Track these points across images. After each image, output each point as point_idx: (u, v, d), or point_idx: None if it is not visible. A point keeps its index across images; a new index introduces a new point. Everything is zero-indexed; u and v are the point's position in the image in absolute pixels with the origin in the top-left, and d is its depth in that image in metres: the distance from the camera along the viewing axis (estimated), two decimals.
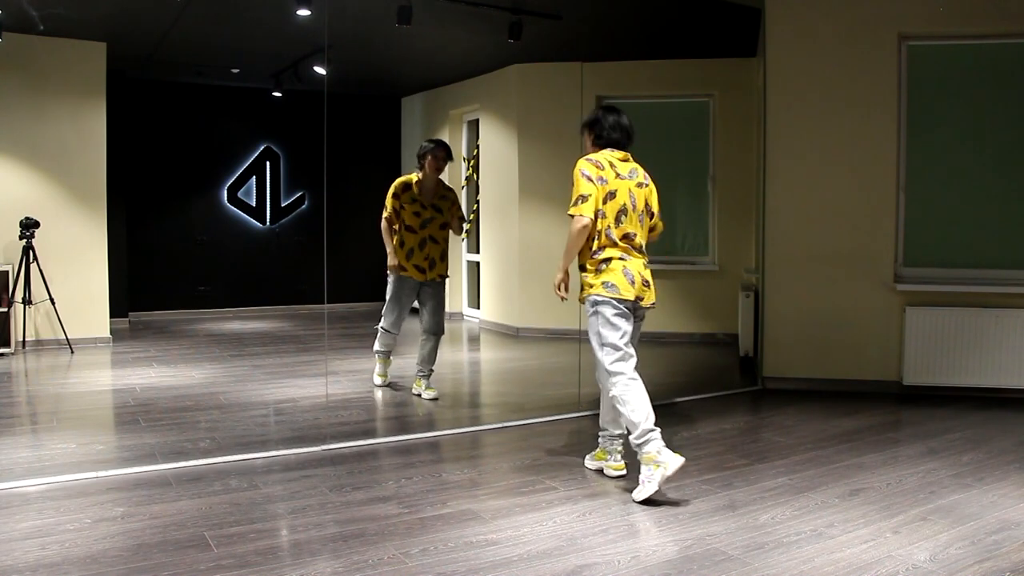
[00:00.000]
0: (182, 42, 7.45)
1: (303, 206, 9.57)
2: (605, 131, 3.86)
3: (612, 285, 3.70)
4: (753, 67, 7.45)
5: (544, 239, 8.34)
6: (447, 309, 9.09)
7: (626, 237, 3.77)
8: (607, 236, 3.74)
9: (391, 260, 5.52)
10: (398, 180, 5.54)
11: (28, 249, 6.98)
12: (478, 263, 9.17)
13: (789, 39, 5.89)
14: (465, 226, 9.21)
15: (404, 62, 8.47)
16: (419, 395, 5.64)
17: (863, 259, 5.82)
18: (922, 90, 5.83)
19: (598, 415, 4.07)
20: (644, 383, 3.70)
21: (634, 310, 3.78)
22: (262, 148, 9.51)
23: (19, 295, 6.99)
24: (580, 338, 6.38)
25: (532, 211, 8.43)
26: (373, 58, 8.22)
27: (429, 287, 5.59)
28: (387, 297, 5.67)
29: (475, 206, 9.27)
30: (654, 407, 3.66)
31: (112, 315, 7.78)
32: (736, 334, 7.36)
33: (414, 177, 5.51)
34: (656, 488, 3.51)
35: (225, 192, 9.43)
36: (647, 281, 3.80)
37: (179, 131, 9.39)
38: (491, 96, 8.87)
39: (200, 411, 5.19)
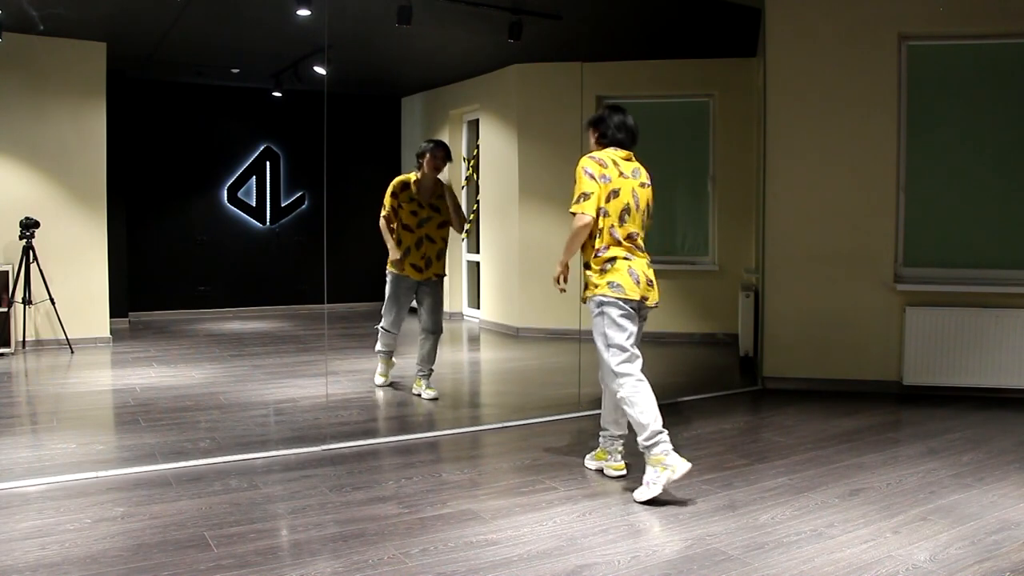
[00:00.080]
0: (182, 42, 7.45)
1: (303, 206, 9.57)
2: (610, 130, 3.84)
3: (618, 285, 3.68)
4: (753, 67, 7.46)
5: (544, 239, 8.35)
6: (447, 309, 9.16)
7: (629, 236, 3.76)
8: (611, 235, 3.72)
9: (392, 255, 5.53)
10: (397, 179, 5.55)
11: (28, 249, 6.98)
12: (478, 263, 9.17)
13: (789, 39, 5.89)
14: (466, 225, 9.23)
15: (404, 62, 8.47)
16: (419, 395, 5.64)
17: (863, 259, 5.82)
18: (922, 90, 5.83)
19: (598, 415, 4.07)
20: None
21: (638, 310, 3.77)
22: (262, 148, 9.51)
23: (19, 295, 6.99)
24: (580, 338, 6.39)
25: (532, 211, 8.43)
26: (373, 58, 8.22)
27: (427, 286, 5.59)
28: (385, 297, 5.68)
29: (475, 206, 9.27)
30: None
31: (112, 315, 7.78)
32: (736, 334, 7.36)
33: (412, 176, 5.52)
34: (660, 491, 3.51)
35: (225, 192, 9.43)
36: (651, 280, 3.79)
37: (179, 131, 9.39)
38: (491, 96, 8.87)
39: (200, 411, 5.19)
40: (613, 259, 3.71)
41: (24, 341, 7.15)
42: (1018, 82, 5.73)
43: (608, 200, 3.70)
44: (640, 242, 3.82)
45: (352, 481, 3.85)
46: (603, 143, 3.86)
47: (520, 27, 6.68)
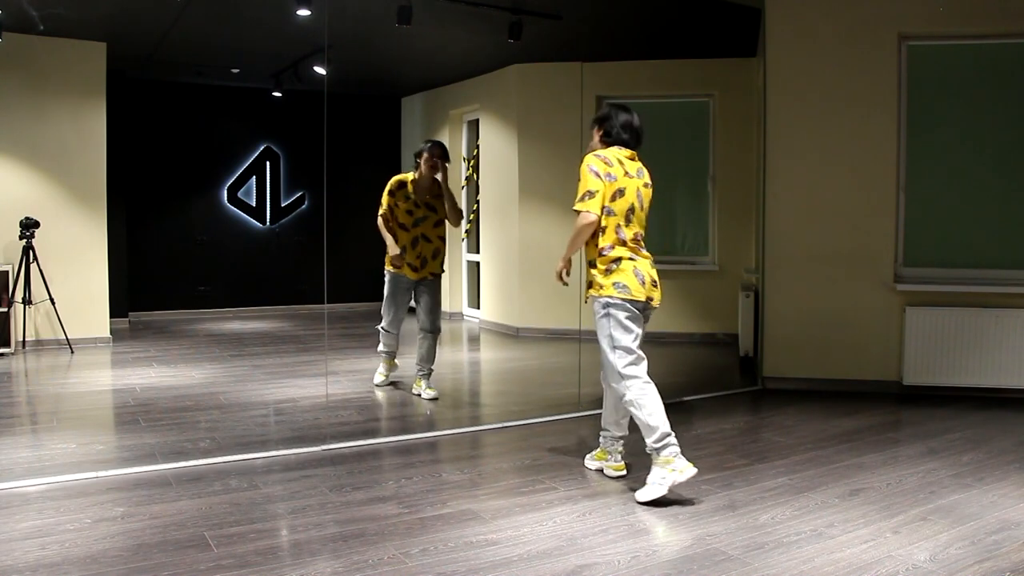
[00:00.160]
0: (182, 42, 7.45)
1: (303, 206, 9.57)
2: (615, 129, 3.80)
3: (624, 286, 3.66)
4: (753, 67, 7.46)
5: (544, 239, 8.35)
6: (447, 309, 9.15)
7: (635, 237, 3.74)
8: (617, 234, 3.69)
9: (391, 250, 5.53)
10: (394, 178, 5.58)
11: (28, 249, 6.98)
12: (478, 263, 9.17)
13: (789, 39, 5.89)
14: (465, 225, 9.22)
15: (404, 62, 8.47)
16: (419, 395, 5.65)
17: (863, 259, 5.82)
18: (922, 90, 5.83)
19: (598, 415, 4.06)
20: None
21: (643, 311, 3.74)
22: (262, 148, 9.51)
23: (19, 295, 6.99)
24: (580, 338, 6.39)
25: (532, 211, 8.43)
26: (373, 58, 8.22)
27: (424, 285, 5.61)
28: (384, 296, 5.70)
29: (475, 206, 9.26)
30: None
31: (112, 315, 7.78)
32: (736, 334, 7.36)
33: (410, 176, 5.54)
34: (665, 491, 3.50)
35: (225, 192, 9.43)
36: (655, 280, 3.76)
37: (179, 131, 9.39)
38: (491, 96, 8.87)
39: (200, 411, 5.19)
40: (619, 259, 3.68)
41: (24, 341, 7.15)
42: (1018, 82, 5.73)
43: (613, 199, 3.68)
44: (643, 242, 3.81)
45: (352, 481, 3.85)
46: (607, 142, 3.83)
47: (520, 27, 6.68)
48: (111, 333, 7.69)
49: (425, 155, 5.46)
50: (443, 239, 5.64)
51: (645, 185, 3.81)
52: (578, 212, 3.68)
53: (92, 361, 6.90)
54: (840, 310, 5.85)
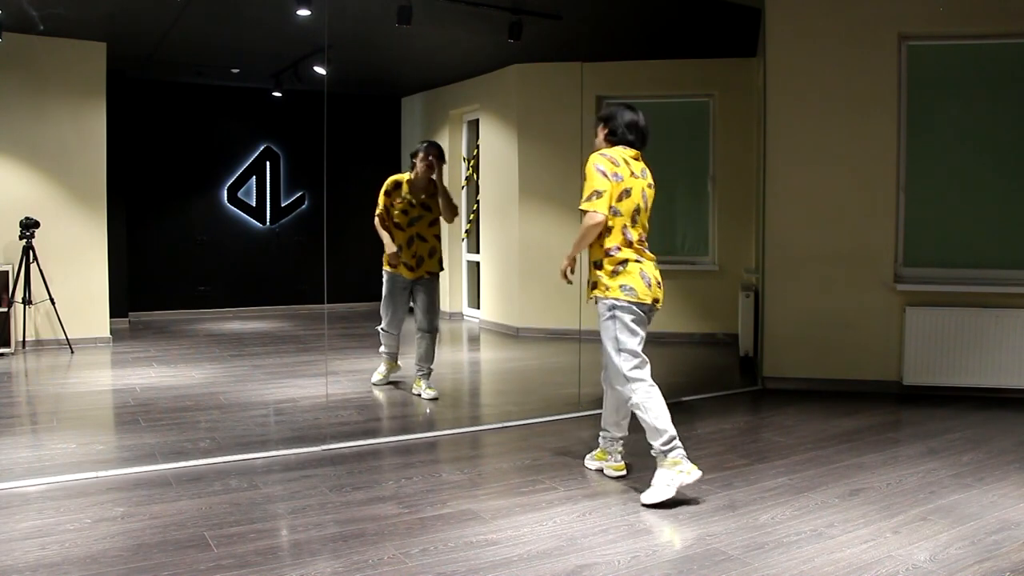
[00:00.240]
0: (182, 42, 7.45)
1: (303, 206, 9.57)
2: (621, 129, 3.75)
3: (631, 289, 3.62)
4: (753, 67, 7.46)
5: (544, 239, 8.35)
6: (447, 308, 9.16)
7: (639, 238, 3.71)
8: (624, 235, 3.66)
9: (388, 248, 5.55)
10: (390, 178, 5.60)
11: (28, 249, 6.98)
12: (478, 263, 9.17)
13: (789, 39, 5.89)
14: (465, 225, 9.22)
15: (404, 62, 8.47)
16: (419, 395, 5.65)
17: (863, 259, 5.82)
18: (922, 90, 5.83)
19: (598, 415, 4.06)
20: None
21: (647, 312, 3.71)
22: (262, 148, 9.51)
23: (19, 295, 6.99)
24: (580, 338, 6.39)
25: (532, 211, 8.43)
26: (373, 58, 8.22)
27: (421, 285, 5.62)
28: (382, 296, 5.71)
29: (475, 206, 9.27)
30: None
31: (112, 315, 7.78)
32: (736, 334, 7.36)
33: (405, 176, 5.56)
34: (673, 494, 3.50)
35: (225, 192, 9.43)
36: (659, 282, 3.73)
37: (179, 131, 9.38)
38: (491, 96, 8.87)
39: (200, 411, 5.19)
40: (625, 261, 3.65)
41: (24, 341, 7.15)
42: (1018, 82, 5.73)
43: (620, 199, 3.64)
44: (647, 243, 3.78)
45: (352, 481, 3.85)
46: (613, 141, 3.78)
47: (520, 27, 6.68)
48: (111, 333, 7.69)
49: (421, 155, 5.48)
50: (439, 238, 5.65)
51: (649, 186, 3.78)
52: (584, 212, 3.63)
53: (92, 361, 6.90)
54: (840, 310, 5.85)
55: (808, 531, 3.24)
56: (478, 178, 9.22)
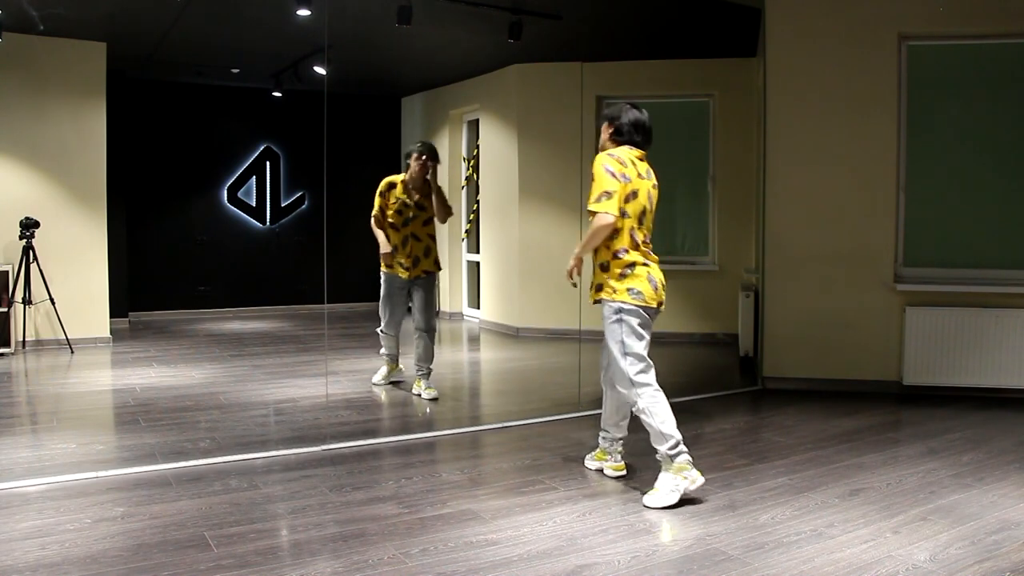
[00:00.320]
0: (182, 42, 7.45)
1: (303, 206, 9.57)
2: (626, 128, 3.70)
3: (638, 292, 3.59)
4: (753, 67, 7.46)
5: (544, 239, 8.35)
6: (448, 309, 9.17)
7: (645, 239, 3.67)
8: (631, 238, 3.61)
9: (383, 248, 5.58)
10: (385, 180, 5.64)
11: (28, 249, 6.98)
12: (478, 263, 9.17)
13: (789, 39, 5.89)
14: (465, 225, 9.22)
15: (404, 62, 8.47)
16: (419, 395, 5.65)
17: (863, 259, 5.82)
18: (922, 90, 5.83)
19: (598, 415, 4.06)
20: None
21: (652, 315, 3.69)
22: (262, 148, 9.51)
23: (19, 295, 6.99)
24: (580, 338, 6.39)
25: (532, 211, 8.43)
26: (373, 58, 8.22)
27: (418, 284, 5.65)
28: (380, 297, 5.74)
29: (475, 206, 9.27)
30: None
31: (112, 315, 7.78)
32: (736, 334, 7.36)
33: (400, 177, 5.60)
34: (676, 500, 3.49)
35: (225, 192, 9.43)
36: (664, 285, 3.70)
37: (179, 131, 9.38)
38: (491, 96, 8.87)
39: (200, 411, 5.19)
40: (632, 264, 3.60)
41: (24, 341, 7.15)
42: (1018, 82, 5.73)
43: (627, 201, 3.59)
44: (651, 244, 3.74)
45: (352, 481, 3.85)
46: (618, 140, 3.73)
47: (520, 27, 6.68)
48: (111, 333, 7.69)
49: (415, 155, 5.52)
50: (433, 237, 5.67)
51: (654, 186, 3.75)
52: (593, 213, 3.56)
53: (92, 361, 6.90)
54: (840, 310, 5.85)
55: (808, 531, 3.24)
56: (478, 178, 9.22)
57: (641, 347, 3.62)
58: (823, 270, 5.87)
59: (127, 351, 7.31)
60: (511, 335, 8.44)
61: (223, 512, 3.40)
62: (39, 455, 4.25)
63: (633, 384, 3.60)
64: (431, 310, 5.69)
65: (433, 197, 5.54)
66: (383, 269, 5.69)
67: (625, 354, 3.61)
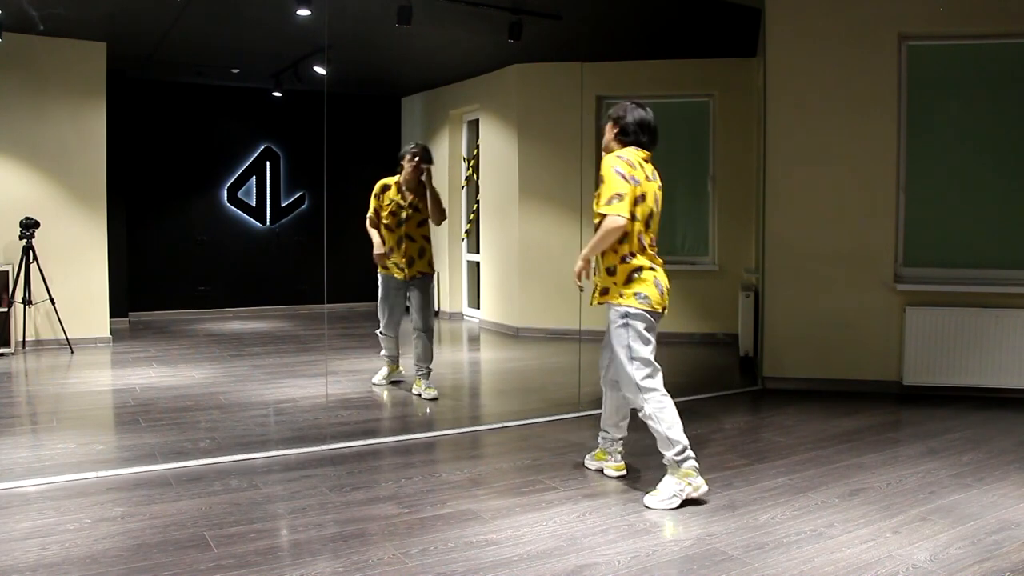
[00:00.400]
0: (182, 42, 7.45)
1: (303, 206, 9.57)
2: (632, 128, 3.63)
3: (645, 297, 3.55)
4: (753, 67, 7.46)
5: (544, 239, 8.35)
6: (447, 309, 9.17)
7: (651, 242, 3.63)
8: (639, 241, 3.57)
9: (377, 249, 5.62)
10: (379, 182, 5.68)
11: (28, 249, 6.98)
12: (478, 263, 9.17)
13: (789, 39, 5.89)
14: (465, 225, 9.22)
15: (404, 62, 8.47)
16: (419, 395, 5.65)
17: (863, 259, 5.82)
18: (922, 90, 5.83)
19: (598, 415, 4.06)
20: None
21: (658, 319, 3.66)
22: (262, 148, 9.51)
23: (19, 295, 6.99)
24: (580, 338, 6.39)
25: (532, 211, 8.43)
26: (373, 58, 8.22)
27: (414, 285, 5.67)
28: (378, 299, 5.76)
29: (475, 206, 9.26)
30: None
31: (112, 315, 7.78)
32: (736, 334, 7.36)
33: (394, 179, 5.63)
34: (676, 505, 3.49)
35: (225, 192, 9.43)
36: (669, 289, 3.67)
37: (179, 131, 9.39)
38: (491, 96, 8.87)
39: (200, 411, 5.19)
40: (640, 268, 3.56)
41: (24, 341, 7.15)
42: (1018, 82, 5.73)
43: (636, 204, 3.53)
44: (656, 247, 3.70)
45: (352, 481, 3.85)
46: (624, 141, 3.66)
47: (520, 27, 6.68)
48: (111, 333, 7.69)
49: (408, 157, 5.54)
50: (427, 238, 5.69)
51: (659, 188, 3.70)
52: (603, 216, 3.48)
53: (92, 361, 6.90)
54: (840, 310, 5.85)
55: (808, 531, 3.24)
56: (478, 178, 9.22)
57: (648, 352, 3.60)
58: (823, 270, 5.87)
59: (127, 351, 7.31)
60: (511, 335, 8.44)
61: (223, 512, 3.40)
62: (39, 455, 4.25)
63: (640, 390, 3.57)
64: (428, 310, 5.70)
65: (428, 199, 5.56)
66: (379, 270, 5.73)
67: (632, 359, 3.58)
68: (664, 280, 3.65)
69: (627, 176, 3.52)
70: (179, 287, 9.33)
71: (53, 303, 7.14)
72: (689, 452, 3.53)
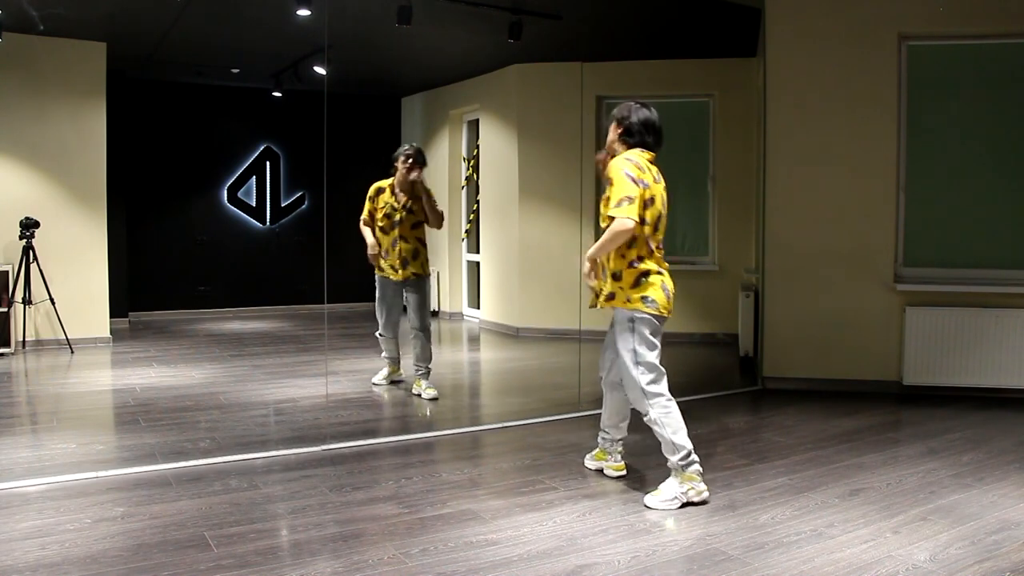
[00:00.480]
0: (182, 42, 7.45)
1: (303, 206, 9.57)
2: (637, 129, 3.58)
3: (652, 301, 3.53)
4: (753, 67, 7.46)
5: (544, 239, 8.35)
6: (447, 308, 9.17)
7: (658, 245, 3.60)
8: (647, 245, 3.54)
9: (371, 250, 5.66)
10: (374, 185, 5.71)
11: (28, 249, 6.98)
12: (478, 263, 9.17)
13: (789, 39, 5.89)
14: (465, 225, 9.22)
15: (404, 62, 8.47)
16: (419, 395, 5.65)
17: (863, 259, 5.82)
18: (922, 90, 5.83)
19: (598, 415, 4.06)
20: None
21: (662, 323, 3.64)
22: (262, 148, 9.51)
23: (19, 295, 6.99)
24: (580, 338, 6.39)
25: (532, 211, 8.43)
26: (373, 58, 8.22)
27: (410, 285, 5.68)
28: (376, 301, 5.80)
29: (475, 206, 9.27)
30: None
31: (112, 315, 7.78)
32: (736, 334, 7.36)
33: (388, 182, 5.66)
34: (677, 507, 3.49)
35: (225, 192, 9.44)
36: (674, 293, 3.65)
37: (179, 131, 9.39)
38: (491, 96, 8.87)
39: (200, 411, 5.19)
40: (648, 272, 3.53)
41: (24, 341, 7.15)
42: (1018, 82, 5.73)
43: (646, 207, 3.49)
44: (663, 250, 3.67)
45: (352, 481, 3.85)
46: (629, 142, 3.61)
47: (520, 27, 6.68)
48: (111, 333, 7.69)
49: (401, 158, 5.57)
50: (421, 240, 5.70)
51: (664, 189, 3.66)
52: (612, 218, 3.42)
53: (92, 361, 6.90)
54: (840, 310, 5.85)
55: (808, 531, 3.24)
56: (478, 178, 9.22)
57: (653, 357, 3.57)
58: (823, 270, 5.87)
59: (127, 351, 7.31)
60: (511, 335, 8.44)
61: (223, 512, 3.40)
62: (39, 455, 4.25)
63: (645, 395, 3.55)
64: (424, 309, 5.72)
65: (424, 203, 5.57)
66: (376, 272, 5.76)
67: (637, 363, 3.56)
68: (671, 284, 3.62)
69: (636, 179, 3.47)
70: (179, 287, 9.33)
71: (53, 303, 7.14)
72: (694, 456, 3.53)
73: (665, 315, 3.59)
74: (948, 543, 3.11)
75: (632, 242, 3.51)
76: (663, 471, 3.64)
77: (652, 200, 3.53)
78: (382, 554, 2.99)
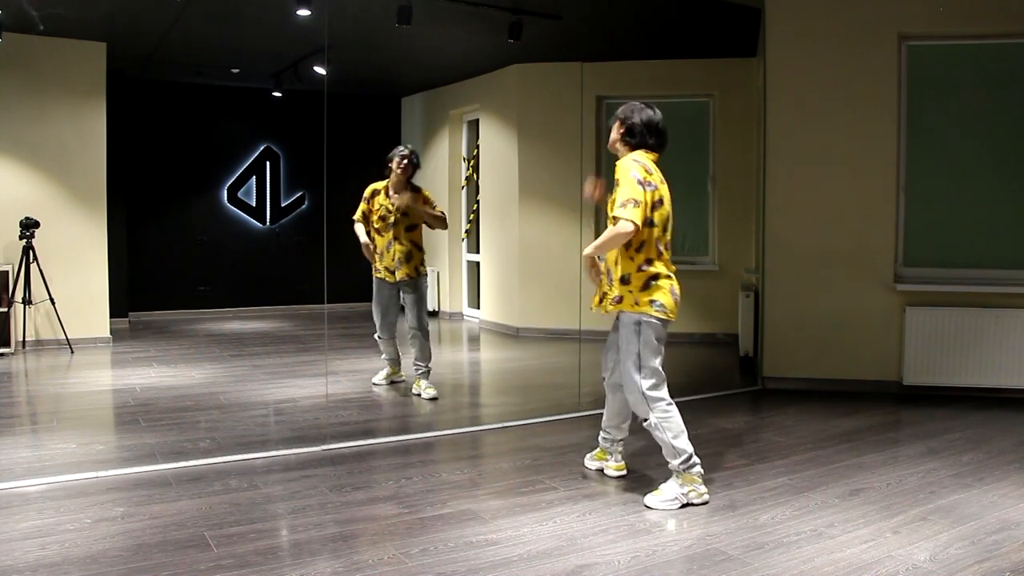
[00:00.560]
0: (182, 42, 7.45)
1: (303, 206, 9.57)
2: (638, 129, 3.55)
3: (661, 305, 3.50)
4: (753, 67, 7.46)
5: (544, 239, 8.34)
6: (447, 308, 9.16)
7: (666, 246, 3.58)
8: (656, 247, 3.51)
9: (366, 251, 5.67)
10: (369, 187, 5.72)
11: (28, 249, 6.98)
12: (478, 263, 9.17)
13: (789, 39, 5.89)
14: (465, 225, 9.22)
15: (404, 62, 8.47)
16: (419, 395, 5.65)
17: (863, 259, 5.82)
18: (922, 90, 5.83)
19: (598, 415, 4.06)
20: None
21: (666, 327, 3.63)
22: (262, 148, 9.51)
23: (19, 295, 6.99)
24: (580, 338, 6.39)
25: (532, 211, 8.43)
26: (373, 58, 8.22)
27: (406, 286, 5.69)
28: (372, 302, 5.81)
29: (475, 206, 9.26)
30: None
31: (112, 315, 7.78)
32: (736, 334, 7.36)
33: (383, 184, 5.67)
34: (677, 508, 3.48)
35: (225, 192, 9.43)
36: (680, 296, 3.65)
37: (179, 131, 9.39)
38: (491, 96, 8.87)
39: (200, 411, 5.19)
40: (657, 276, 3.51)
41: (24, 341, 7.15)
42: (1018, 82, 5.73)
43: (654, 209, 3.47)
44: (670, 251, 3.64)
45: (352, 481, 3.85)
46: (631, 143, 3.58)
47: (520, 27, 6.68)
48: (111, 333, 7.69)
49: (395, 160, 5.56)
50: (415, 242, 5.68)
51: (668, 190, 3.64)
52: (616, 219, 3.39)
53: (92, 361, 6.90)
54: (840, 310, 5.85)
55: (808, 531, 3.24)
56: (478, 178, 9.21)
57: (657, 361, 3.56)
58: (823, 270, 5.87)
59: (127, 351, 7.31)
60: (511, 335, 8.44)
61: (223, 512, 3.40)
62: (39, 455, 4.25)
63: (646, 399, 3.54)
64: (421, 309, 5.73)
65: (423, 209, 5.56)
66: (373, 274, 5.77)
67: (639, 367, 3.54)
68: (678, 288, 3.60)
69: (644, 182, 3.45)
70: (179, 287, 9.33)
71: (53, 303, 7.14)
72: (695, 459, 3.52)
73: (671, 319, 3.57)
74: (948, 543, 3.12)
75: (641, 245, 3.49)
76: (664, 471, 3.64)
77: (660, 201, 3.51)
78: (382, 554, 2.99)
